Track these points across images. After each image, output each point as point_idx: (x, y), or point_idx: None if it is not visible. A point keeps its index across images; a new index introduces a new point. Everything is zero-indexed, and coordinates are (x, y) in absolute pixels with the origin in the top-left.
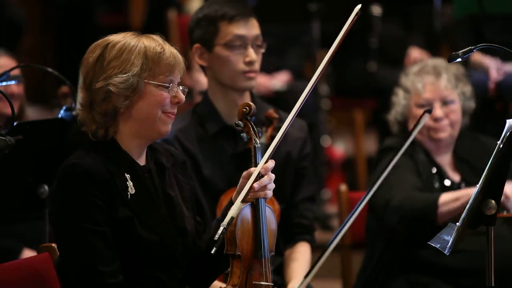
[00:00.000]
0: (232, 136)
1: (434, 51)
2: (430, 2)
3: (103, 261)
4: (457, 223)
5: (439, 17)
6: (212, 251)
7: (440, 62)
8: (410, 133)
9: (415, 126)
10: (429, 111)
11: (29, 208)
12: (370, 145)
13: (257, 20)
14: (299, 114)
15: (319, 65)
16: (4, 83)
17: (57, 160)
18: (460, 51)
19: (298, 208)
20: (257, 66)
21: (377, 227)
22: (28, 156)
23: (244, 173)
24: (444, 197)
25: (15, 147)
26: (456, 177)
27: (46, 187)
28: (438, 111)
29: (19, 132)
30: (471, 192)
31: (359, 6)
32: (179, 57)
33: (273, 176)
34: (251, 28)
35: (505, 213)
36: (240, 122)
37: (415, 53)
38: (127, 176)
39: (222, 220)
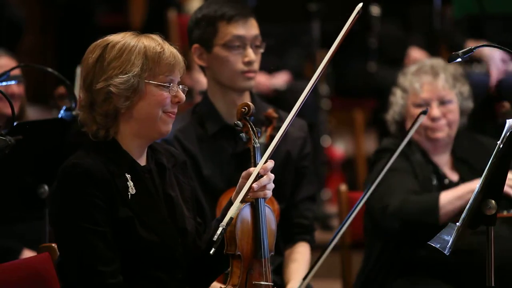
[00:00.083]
0: (232, 136)
1: (433, 51)
2: (430, 2)
3: (103, 261)
4: (457, 223)
5: (439, 17)
6: (211, 252)
7: (438, 62)
8: (406, 134)
9: (411, 127)
10: (425, 112)
11: (29, 208)
12: (370, 145)
13: (257, 20)
14: (299, 114)
15: (319, 65)
16: (4, 83)
17: (57, 160)
18: (460, 51)
19: (298, 208)
20: (256, 66)
21: (374, 227)
22: (28, 156)
23: (244, 173)
24: (445, 197)
25: (15, 147)
26: (454, 177)
27: (46, 187)
28: (436, 110)
29: (19, 132)
30: (471, 187)
31: (360, 5)
32: (179, 56)
33: (272, 176)
34: (250, 28)
35: (505, 213)
36: (239, 122)
37: (415, 53)
38: (128, 176)
39: (222, 221)
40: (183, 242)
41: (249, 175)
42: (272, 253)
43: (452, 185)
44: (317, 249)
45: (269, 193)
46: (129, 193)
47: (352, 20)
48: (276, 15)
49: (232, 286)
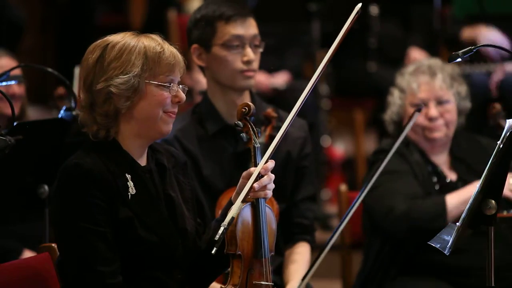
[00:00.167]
0: (232, 135)
1: (433, 51)
2: (430, 2)
3: (103, 261)
4: (457, 223)
5: (439, 17)
6: (213, 251)
7: (435, 62)
8: (401, 131)
9: (406, 125)
10: (420, 109)
11: (29, 208)
12: (370, 145)
13: (257, 19)
14: (299, 114)
15: (318, 65)
16: (4, 83)
17: (57, 160)
18: (460, 51)
19: (299, 207)
20: (255, 65)
21: (373, 227)
22: (28, 156)
23: (244, 173)
24: (451, 202)
25: (15, 147)
26: (453, 176)
27: (46, 187)
28: (433, 110)
29: (19, 132)
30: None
31: (359, 5)
32: (179, 56)
33: (273, 176)
34: (249, 28)
35: (505, 213)
36: (239, 122)
37: (415, 53)
38: (128, 176)
39: (221, 221)
40: (183, 242)
41: (250, 175)
42: (272, 253)
43: (451, 184)
44: (317, 249)
45: (269, 193)
46: (129, 193)
47: (351, 20)
48: (276, 15)
49: (232, 285)
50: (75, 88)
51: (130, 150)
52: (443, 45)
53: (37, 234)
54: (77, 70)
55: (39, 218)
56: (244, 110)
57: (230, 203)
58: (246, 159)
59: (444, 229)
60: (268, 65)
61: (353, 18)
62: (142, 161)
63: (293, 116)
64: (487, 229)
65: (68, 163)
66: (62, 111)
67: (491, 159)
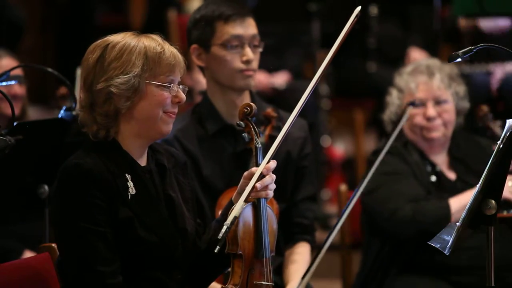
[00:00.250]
0: (232, 135)
1: (433, 51)
2: (430, 2)
3: (103, 261)
4: (457, 223)
5: (439, 17)
6: (216, 250)
7: (433, 62)
8: (395, 126)
9: (400, 119)
10: (413, 103)
11: (29, 208)
12: (370, 145)
13: (256, 19)
14: (299, 114)
15: (318, 65)
16: (4, 83)
17: (57, 160)
18: (460, 51)
19: (299, 207)
20: (254, 65)
21: (372, 227)
22: (28, 156)
23: (246, 173)
24: (454, 206)
25: (15, 147)
26: (452, 176)
27: (46, 187)
28: (431, 110)
29: (19, 132)
30: None
31: (358, 8)
32: (179, 56)
33: (274, 176)
34: (248, 28)
35: (505, 213)
36: (241, 122)
37: (415, 53)
38: (128, 176)
39: (221, 221)
40: (183, 242)
41: (251, 175)
42: (273, 253)
43: (451, 183)
44: (317, 249)
45: (270, 193)
46: (129, 193)
47: (351, 24)
48: (276, 15)
49: (233, 285)
50: (77, 90)
51: (130, 150)
52: (442, 41)
53: (37, 234)
54: (79, 71)
55: (39, 218)
56: (246, 110)
57: (231, 203)
58: (246, 159)
59: (444, 229)
60: (268, 65)
61: (353, 21)
62: (142, 161)
63: (295, 117)
64: (487, 229)
65: (68, 163)
66: (62, 111)
67: (491, 159)
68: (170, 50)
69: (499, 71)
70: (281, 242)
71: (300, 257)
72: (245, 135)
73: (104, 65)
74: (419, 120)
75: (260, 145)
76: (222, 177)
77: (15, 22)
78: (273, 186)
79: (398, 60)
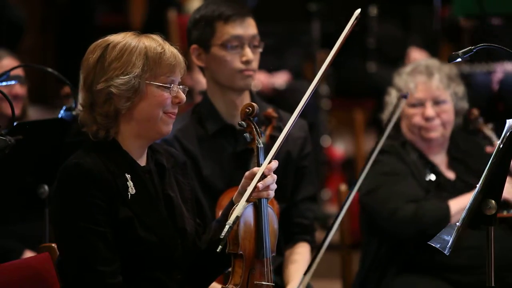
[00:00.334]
0: (232, 135)
1: (433, 51)
2: (430, 2)
3: (103, 261)
4: (457, 223)
5: (439, 17)
6: (218, 249)
7: (433, 62)
8: (389, 120)
9: (393, 112)
10: (405, 96)
11: (29, 208)
12: (370, 145)
13: (256, 19)
14: (299, 115)
15: (318, 65)
16: (4, 83)
17: (57, 160)
18: (460, 51)
19: (299, 207)
20: (254, 65)
21: (371, 227)
22: (28, 156)
23: (247, 173)
24: (454, 208)
25: (15, 147)
26: (451, 176)
27: (46, 187)
28: (430, 110)
29: (19, 132)
30: None
31: (359, 10)
32: (180, 56)
33: (275, 176)
34: (248, 28)
35: (505, 213)
36: (243, 122)
37: (415, 53)
38: (128, 176)
39: (222, 221)
40: (182, 242)
41: (253, 175)
42: (274, 254)
43: (450, 183)
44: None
45: (272, 193)
46: (129, 193)
47: (351, 26)
48: (276, 15)
49: (233, 285)
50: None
51: (130, 150)
52: (442, 41)
53: (37, 234)
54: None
55: (39, 218)
56: (248, 110)
57: (232, 204)
58: (246, 159)
59: (444, 229)
60: (268, 65)
61: (353, 23)
62: (142, 162)
63: (296, 117)
64: (487, 229)
65: (68, 163)
66: (62, 111)
67: (491, 159)
68: (171, 51)
69: (499, 71)
70: (281, 242)
71: (300, 257)
72: (247, 135)
73: (105, 65)
74: (418, 120)
75: (261, 145)
76: (222, 177)
77: (15, 22)
78: (274, 186)
79: (398, 60)
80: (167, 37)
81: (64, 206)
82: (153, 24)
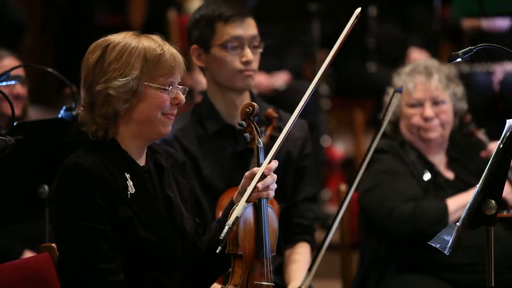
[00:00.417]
0: (231, 135)
1: (434, 51)
2: (430, 2)
3: (104, 258)
4: (457, 223)
5: (439, 17)
6: (218, 250)
7: (432, 62)
8: (384, 115)
9: (388, 106)
10: (400, 90)
11: (29, 208)
12: None
13: (256, 19)
14: (299, 115)
15: (318, 65)
16: (4, 83)
17: (57, 160)
18: (460, 51)
19: (299, 208)
20: (254, 65)
21: (369, 227)
22: (28, 156)
23: (247, 173)
24: (452, 206)
25: (15, 147)
26: (450, 176)
27: (46, 187)
28: (429, 110)
29: (19, 132)
30: None
31: (359, 10)
32: (179, 57)
33: (275, 176)
34: (248, 28)
35: (505, 213)
36: (243, 122)
37: (415, 53)
38: (127, 175)
39: (222, 221)
40: (182, 242)
41: (253, 175)
42: (274, 254)
43: (449, 183)
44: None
45: (272, 193)
46: (128, 192)
47: (351, 26)
48: (276, 15)
49: (233, 286)
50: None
51: (129, 150)
52: (442, 41)
53: (37, 234)
54: None
55: (39, 218)
56: (248, 110)
57: (232, 204)
58: (246, 159)
59: (444, 229)
60: (268, 65)
61: (353, 23)
62: (141, 162)
63: (296, 117)
64: (487, 229)
65: (68, 162)
66: (62, 111)
67: (491, 159)
68: (170, 52)
69: (500, 71)
70: (281, 242)
71: (301, 257)
72: (247, 135)
73: (104, 66)
74: (417, 120)
75: (262, 145)
76: (222, 177)
77: (15, 22)
78: (274, 186)
79: (398, 60)
80: (167, 37)
81: (64, 205)
82: (153, 24)
